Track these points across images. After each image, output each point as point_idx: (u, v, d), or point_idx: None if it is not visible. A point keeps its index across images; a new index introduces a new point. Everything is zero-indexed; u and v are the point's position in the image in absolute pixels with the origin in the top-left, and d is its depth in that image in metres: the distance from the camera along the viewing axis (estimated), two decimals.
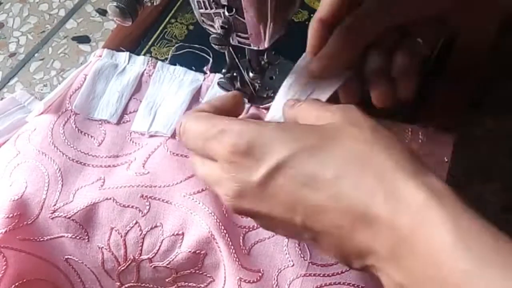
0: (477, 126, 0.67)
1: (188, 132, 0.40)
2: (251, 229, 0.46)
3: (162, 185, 0.47)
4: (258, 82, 0.50)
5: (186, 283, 0.47)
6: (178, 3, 0.61)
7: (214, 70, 0.53)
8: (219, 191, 0.38)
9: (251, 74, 0.50)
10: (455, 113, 0.53)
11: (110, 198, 0.47)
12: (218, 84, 0.51)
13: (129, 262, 0.47)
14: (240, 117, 0.51)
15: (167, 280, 0.47)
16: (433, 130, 0.48)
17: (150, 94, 0.53)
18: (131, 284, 0.48)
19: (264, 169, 0.35)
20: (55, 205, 0.47)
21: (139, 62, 0.55)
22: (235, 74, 0.50)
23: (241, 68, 0.49)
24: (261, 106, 0.51)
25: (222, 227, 0.44)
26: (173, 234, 0.46)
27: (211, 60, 0.54)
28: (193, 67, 0.55)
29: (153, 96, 0.53)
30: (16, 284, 0.47)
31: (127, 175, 0.48)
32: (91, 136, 0.51)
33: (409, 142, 0.48)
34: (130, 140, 0.51)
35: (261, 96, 0.51)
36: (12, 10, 0.79)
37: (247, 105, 0.52)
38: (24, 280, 0.48)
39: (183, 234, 0.46)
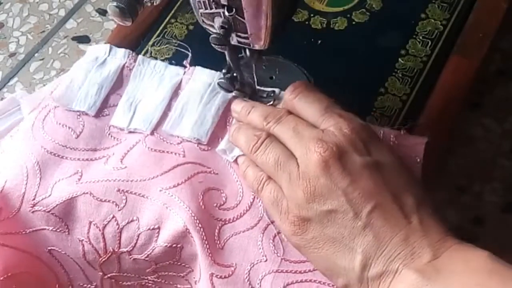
0: (477, 126, 0.67)
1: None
2: (227, 222, 0.46)
3: (139, 179, 0.47)
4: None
5: (166, 273, 0.48)
6: (178, 3, 0.61)
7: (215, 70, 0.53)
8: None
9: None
10: (455, 113, 0.52)
11: (87, 193, 0.47)
12: (218, 84, 0.51)
13: (109, 254, 0.47)
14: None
15: (147, 270, 0.47)
16: (404, 132, 0.48)
17: (130, 89, 0.52)
18: (114, 274, 0.48)
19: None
20: (34, 199, 0.47)
21: (120, 55, 0.54)
22: (235, 74, 0.49)
23: (241, 68, 0.49)
24: None
25: (197, 221, 0.44)
26: (149, 229, 0.46)
27: (190, 54, 0.54)
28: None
29: (134, 91, 0.52)
30: (1, 278, 0.47)
31: (104, 169, 0.48)
32: (69, 128, 0.50)
33: None
34: (109, 134, 0.51)
35: (262, 96, 0.51)
36: (12, 10, 0.79)
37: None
38: (9, 274, 0.48)
39: (159, 228, 0.46)
